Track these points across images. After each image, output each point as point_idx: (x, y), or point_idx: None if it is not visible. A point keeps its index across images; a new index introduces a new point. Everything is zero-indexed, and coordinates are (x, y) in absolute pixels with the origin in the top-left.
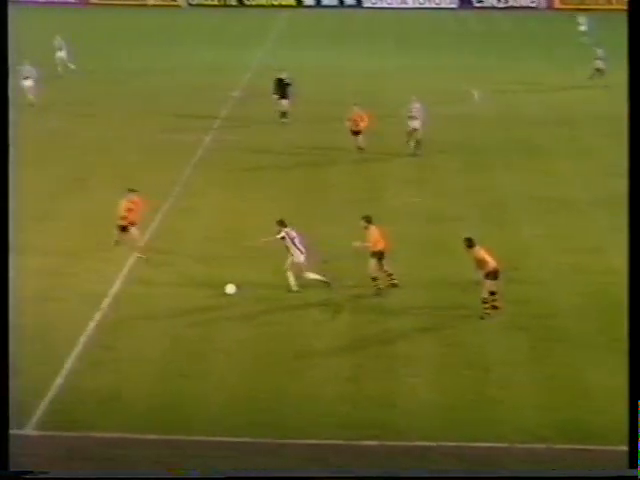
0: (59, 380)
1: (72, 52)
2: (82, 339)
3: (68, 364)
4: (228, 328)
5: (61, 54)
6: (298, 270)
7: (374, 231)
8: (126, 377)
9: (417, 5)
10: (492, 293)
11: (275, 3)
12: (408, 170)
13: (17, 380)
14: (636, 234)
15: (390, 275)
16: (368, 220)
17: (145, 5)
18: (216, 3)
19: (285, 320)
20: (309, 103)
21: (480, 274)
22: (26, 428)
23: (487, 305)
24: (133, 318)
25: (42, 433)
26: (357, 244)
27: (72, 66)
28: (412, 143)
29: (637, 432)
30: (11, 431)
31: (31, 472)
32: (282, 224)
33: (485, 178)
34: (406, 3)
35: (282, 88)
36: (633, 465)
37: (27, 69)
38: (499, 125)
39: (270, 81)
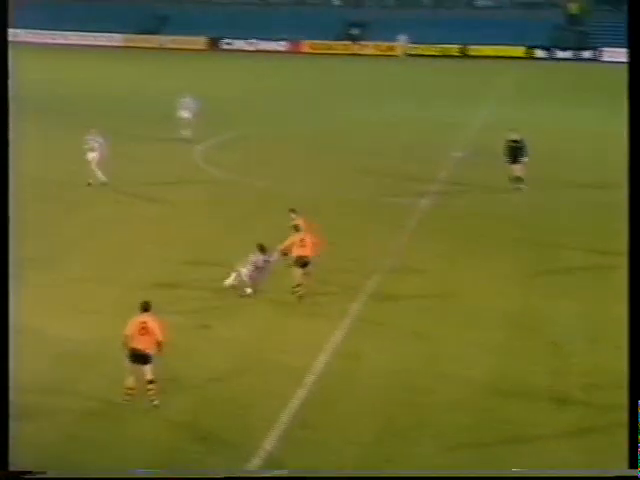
0: (256, 461)
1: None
2: (283, 417)
3: (267, 444)
4: (442, 412)
5: (186, 114)
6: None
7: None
8: (328, 460)
9: None
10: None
11: (502, 54)
12: None
13: (214, 457)
14: (636, 236)
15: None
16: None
17: (359, 54)
18: (436, 52)
19: None
20: (543, 167)
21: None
22: None
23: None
24: (339, 396)
25: None
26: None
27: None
28: None
29: (637, 432)
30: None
31: (30, 472)
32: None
33: None
34: None
35: (514, 151)
36: (633, 465)
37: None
38: None
39: (496, 140)
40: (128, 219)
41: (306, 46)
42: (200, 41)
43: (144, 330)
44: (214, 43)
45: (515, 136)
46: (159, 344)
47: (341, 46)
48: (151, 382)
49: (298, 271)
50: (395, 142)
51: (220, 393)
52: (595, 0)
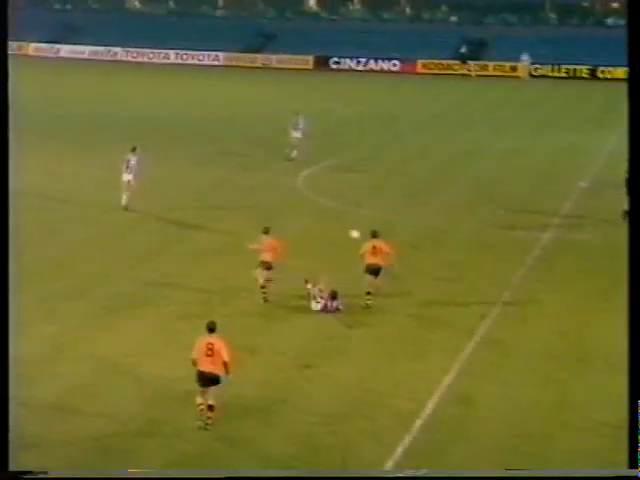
0: None
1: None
2: (389, 463)
3: None
4: (562, 462)
5: (298, 134)
6: None
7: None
8: None
9: None
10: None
11: None
12: None
13: None
14: (636, 238)
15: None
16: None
17: (478, 75)
18: (562, 75)
19: None
20: None
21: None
22: None
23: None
24: (448, 444)
25: None
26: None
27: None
28: None
29: (637, 432)
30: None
31: (30, 472)
32: None
33: None
34: None
35: None
36: (633, 465)
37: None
38: None
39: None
40: (225, 249)
41: (420, 66)
42: (308, 60)
43: (211, 352)
44: (322, 62)
45: None
46: (226, 365)
47: (458, 66)
48: (211, 408)
49: (369, 278)
50: (517, 171)
51: (322, 437)
52: None
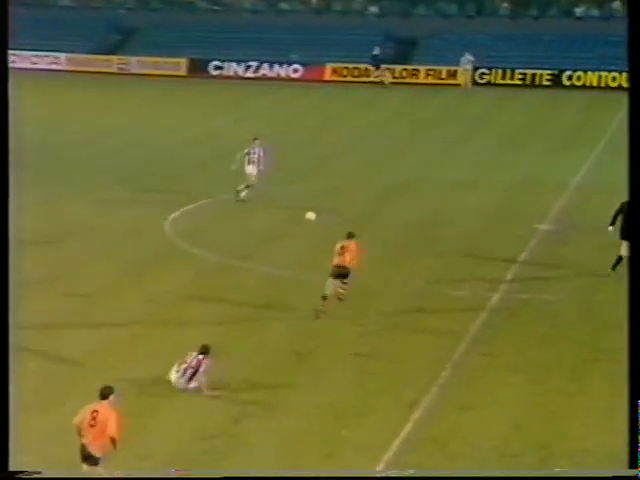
0: None
1: None
2: None
3: None
4: None
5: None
6: None
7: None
8: None
9: None
10: None
11: (611, 83)
12: None
13: None
14: (636, 238)
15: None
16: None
17: (405, 83)
18: (516, 82)
19: None
20: None
21: None
22: None
23: None
24: None
25: None
26: None
27: None
28: None
29: (637, 432)
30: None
31: (25, 471)
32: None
33: None
34: None
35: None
36: (633, 465)
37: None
38: None
39: (599, 205)
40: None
41: (329, 71)
42: (180, 63)
43: (94, 422)
44: (199, 66)
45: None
46: (113, 441)
47: (379, 72)
48: None
49: (333, 282)
50: (461, 209)
51: None
52: None
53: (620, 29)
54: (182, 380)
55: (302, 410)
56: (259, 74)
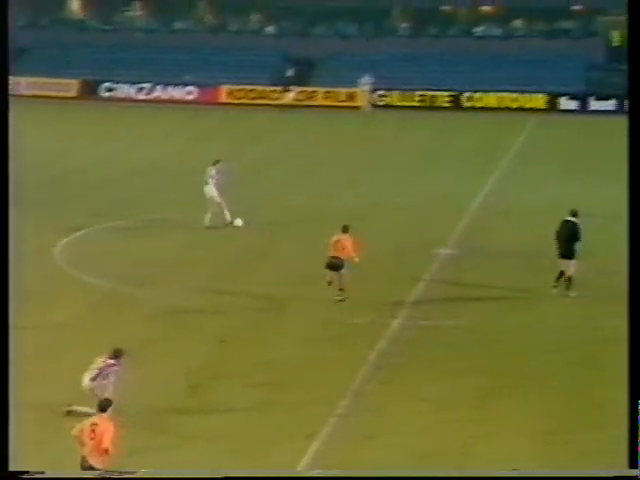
0: None
1: None
2: None
3: None
4: None
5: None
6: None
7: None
8: None
9: None
10: None
11: (513, 104)
12: None
13: None
14: (636, 237)
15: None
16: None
17: (302, 105)
18: (416, 103)
19: None
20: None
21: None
22: None
23: None
24: None
25: None
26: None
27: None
28: None
29: (637, 432)
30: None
31: (27, 472)
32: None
33: None
34: None
35: (570, 237)
36: (633, 465)
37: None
38: None
39: (501, 231)
40: None
41: (225, 93)
42: (70, 84)
43: (93, 434)
44: (90, 87)
45: (573, 218)
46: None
47: (276, 94)
48: None
49: (330, 274)
50: (361, 235)
51: None
52: None
53: (521, 48)
54: (88, 378)
55: (197, 443)
56: (152, 96)
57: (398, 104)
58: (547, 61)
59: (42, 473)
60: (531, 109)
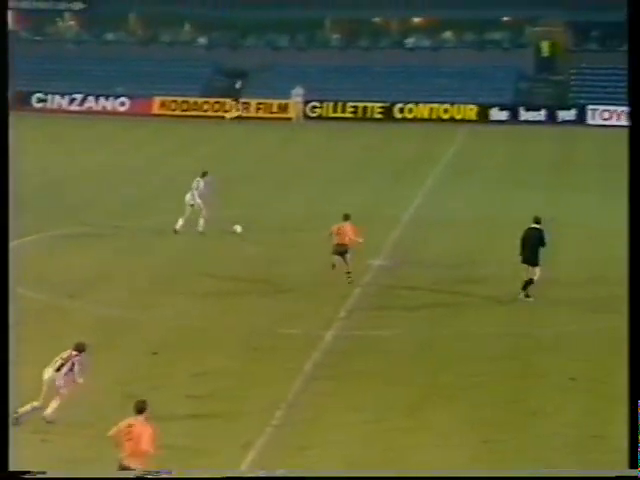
0: None
1: None
2: None
3: None
4: None
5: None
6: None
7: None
8: None
9: None
10: None
11: (444, 115)
12: None
13: None
14: (636, 237)
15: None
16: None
17: (236, 117)
18: (348, 115)
19: None
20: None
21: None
22: None
23: None
24: None
25: None
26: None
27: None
28: None
29: (637, 432)
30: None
31: (29, 472)
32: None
33: None
34: None
35: (534, 247)
36: (633, 465)
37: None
38: None
39: (433, 241)
40: None
41: (157, 104)
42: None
43: (129, 435)
44: (22, 98)
45: (538, 225)
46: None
47: (209, 105)
48: None
49: (336, 258)
50: (294, 247)
51: None
52: (578, 36)
53: (451, 60)
54: (52, 370)
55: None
56: (84, 107)
57: (330, 115)
58: (477, 72)
59: (42, 473)
60: (462, 120)
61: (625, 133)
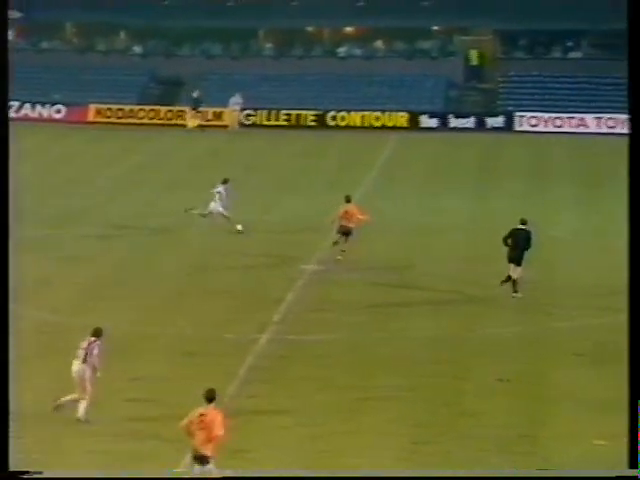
0: None
1: None
2: None
3: None
4: None
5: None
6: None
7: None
8: None
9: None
10: None
11: (376, 123)
12: None
13: None
14: (636, 236)
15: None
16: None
17: (172, 124)
18: (282, 122)
19: None
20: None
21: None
22: None
23: None
24: None
25: None
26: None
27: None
28: None
29: (637, 432)
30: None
31: (27, 472)
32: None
33: None
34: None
35: (521, 247)
36: (633, 465)
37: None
38: None
39: (367, 246)
40: None
41: (93, 112)
42: None
43: (203, 424)
44: None
45: (525, 226)
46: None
47: (144, 112)
48: None
49: (341, 238)
50: (228, 252)
51: None
52: (506, 44)
53: (382, 68)
54: (78, 363)
55: (71, 458)
56: (21, 114)
57: (265, 123)
58: (408, 80)
59: (42, 473)
60: (394, 127)
61: (552, 138)
